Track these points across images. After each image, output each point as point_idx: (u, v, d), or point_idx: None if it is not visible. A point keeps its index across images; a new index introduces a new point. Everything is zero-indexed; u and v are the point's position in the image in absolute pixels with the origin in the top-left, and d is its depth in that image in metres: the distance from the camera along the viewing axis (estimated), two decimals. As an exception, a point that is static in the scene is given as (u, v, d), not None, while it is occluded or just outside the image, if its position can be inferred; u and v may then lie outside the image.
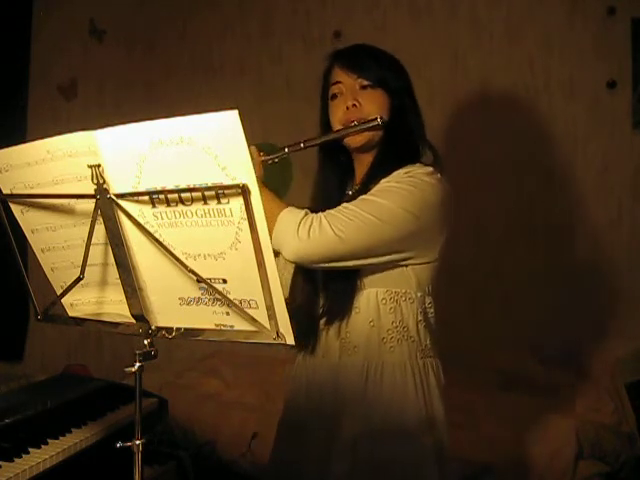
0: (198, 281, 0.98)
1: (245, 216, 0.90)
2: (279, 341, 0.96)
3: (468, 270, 3.30)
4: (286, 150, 1.43)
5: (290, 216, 1.28)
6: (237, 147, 0.86)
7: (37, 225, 1.09)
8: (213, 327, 1.02)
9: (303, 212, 1.29)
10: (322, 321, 1.44)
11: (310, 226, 1.25)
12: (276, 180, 1.45)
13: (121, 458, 1.12)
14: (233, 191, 0.88)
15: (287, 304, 1.46)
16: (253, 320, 0.97)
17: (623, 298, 3.05)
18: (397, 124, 1.42)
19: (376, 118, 1.39)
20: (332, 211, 1.30)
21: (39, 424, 1.53)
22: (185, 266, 0.97)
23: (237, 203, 0.90)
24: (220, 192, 0.90)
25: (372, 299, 1.39)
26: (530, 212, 3.22)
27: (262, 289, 0.93)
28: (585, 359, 2.92)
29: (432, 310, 1.45)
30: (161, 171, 0.92)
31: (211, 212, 0.93)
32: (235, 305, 0.97)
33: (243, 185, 0.87)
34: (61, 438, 1.51)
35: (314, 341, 1.46)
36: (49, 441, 1.48)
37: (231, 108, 0.84)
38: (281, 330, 0.95)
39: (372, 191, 1.34)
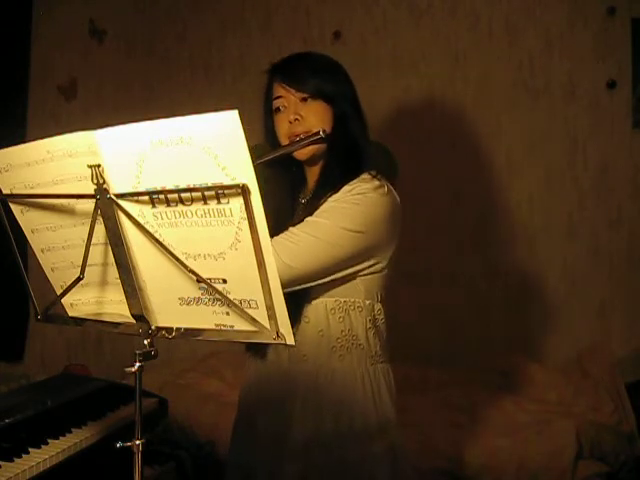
0: (198, 281, 0.98)
1: (245, 216, 0.90)
2: (279, 341, 0.96)
3: (468, 271, 3.31)
4: None
5: None
6: (237, 147, 0.86)
7: (37, 225, 1.09)
8: (213, 327, 1.02)
9: None
10: None
11: None
12: None
13: (121, 458, 1.12)
14: (233, 191, 0.88)
15: None
16: (253, 320, 0.97)
17: (623, 298, 3.06)
18: (340, 134, 1.42)
19: (318, 132, 1.39)
20: (279, 238, 1.31)
21: (39, 424, 1.53)
22: (185, 266, 0.97)
23: (237, 203, 0.90)
24: (220, 192, 0.90)
25: (321, 309, 1.41)
26: (530, 212, 3.22)
27: (262, 289, 0.93)
28: (585, 359, 2.92)
29: (382, 317, 1.46)
30: (161, 171, 0.92)
31: (211, 212, 0.93)
32: (235, 305, 0.97)
33: (243, 185, 0.87)
34: (61, 438, 1.51)
35: (263, 346, 1.48)
36: (49, 441, 1.48)
37: (231, 108, 0.84)
38: (281, 330, 0.96)
39: (318, 211, 1.35)
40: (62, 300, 1.13)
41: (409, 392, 2.57)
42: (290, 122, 1.43)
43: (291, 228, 1.33)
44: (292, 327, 1.38)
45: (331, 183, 1.40)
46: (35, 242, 1.11)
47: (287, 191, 1.53)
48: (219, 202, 0.91)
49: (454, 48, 3.32)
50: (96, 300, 1.12)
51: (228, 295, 0.97)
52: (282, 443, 1.42)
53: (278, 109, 1.46)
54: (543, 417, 2.49)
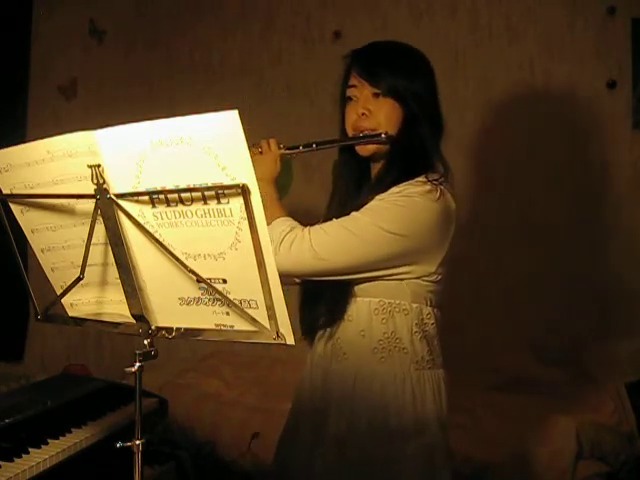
0: (198, 281, 0.98)
1: (245, 216, 0.90)
2: (279, 341, 0.96)
3: (468, 270, 3.30)
4: (301, 148, 1.43)
5: (279, 226, 1.31)
6: (237, 147, 0.86)
7: (37, 225, 1.09)
8: (213, 327, 1.03)
9: (291, 225, 1.31)
10: (320, 324, 1.45)
11: (293, 241, 1.27)
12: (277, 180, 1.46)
13: (121, 458, 1.12)
14: (233, 191, 0.89)
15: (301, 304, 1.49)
16: (253, 320, 0.97)
17: (623, 298, 3.05)
18: (405, 136, 1.39)
19: (380, 133, 1.37)
20: (318, 226, 1.31)
21: (39, 424, 1.53)
22: (185, 266, 0.97)
23: (237, 203, 0.90)
24: (220, 192, 0.90)
25: (364, 309, 1.39)
26: (530, 212, 3.22)
27: (262, 289, 0.93)
28: (585, 359, 2.92)
29: (432, 321, 1.42)
30: (161, 171, 0.92)
31: (211, 212, 0.93)
32: (235, 305, 0.97)
33: (243, 185, 0.87)
34: (61, 438, 1.51)
35: (310, 338, 1.48)
36: (49, 441, 1.48)
37: (231, 108, 0.84)
38: (281, 330, 0.96)
39: (363, 208, 1.34)
40: (62, 300, 1.13)
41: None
42: (358, 115, 1.42)
43: (334, 220, 1.32)
44: (334, 324, 1.41)
45: (383, 184, 1.38)
46: (35, 242, 1.11)
47: (353, 182, 1.51)
48: (219, 202, 0.91)
49: (454, 48, 3.32)
50: (96, 300, 1.12)
51: (228, 295, 0.97)
52: (317, 442, 1.41)
53: (350, 98, 1.45)
54: (543, 417, 2.49)
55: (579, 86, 3.12)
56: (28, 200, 1.06)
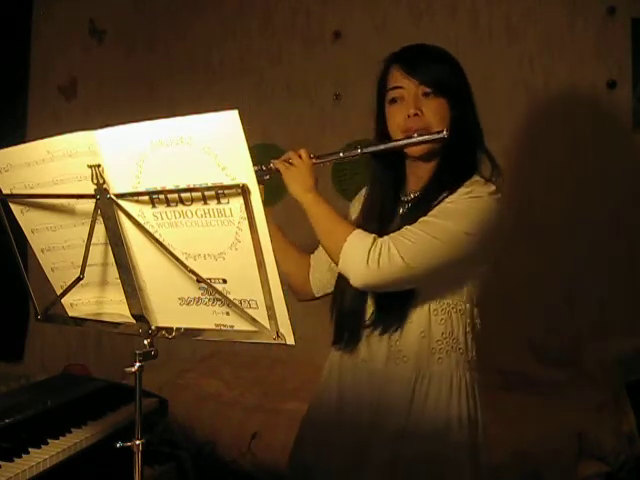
0: (198, 281, 0.98)
1: (245, 216, 0.90)
2: (279, 341, 0.96)
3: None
4: (341, 155, 1.41)
5: (359, 242, 1.29)
6: (237, 147, 0.86)
7: (37, 225, 1.09)
8: (213, 327, 1.03)
9: (372, 238, 1.29)
10: (370, 327, 1.43)
11: (380, 254, 1.26)
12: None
13: (121, 458, 1.12)
14: (233, 191, 0.89)
15: (333, 304, 1.49)
16: (253, 320, 0.97)
17: (623, 297, 3.05)
18: (458, 135, 1.39)
19: (442, 131, 1.35)
20: (399, 236, 1.29)
21: (39, 424, 1.53)
22: (185, 266, 0.97)
23: (237, 203, 0.90)
24: (220, 192, 0.90)
25: (424, 310, 1.39)
26: (530, 212, 3.21)
27: (262, 289, 0.93)
28: (585, 358, 2.92)
29: (479, 320, 1.43)
30: (161, 171, 0.92)
31: (211, 212, 0.93)
32: (235, 305, 0.97)
33: (243, 185, 0.87)
34: (61, 438, 1.51)
35: (354, 344, 1.45)
36: (49, 441, 1.48)
37: (231, 108, 0.84)
38: (281, 330, 0.96)
39: (435, 212, 1.32)
40: (62, 300, 1.13)
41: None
42: (409, 116, 1.38)
43: (408, 227, 1.31)
44: (397, 330, 1.39)
45: (445, 184, 1.37)
46: (35, 242, 1.11)
47: (392, 187, 1.50)
48: (219, 202, 0.91)
49: (454, 48, 3.30)
50: (96, 300, 1.12)
51: (228, 295, 0.98)
52: (366, 444, 1.39)
53: (394, 100, 1.41)
54: (543, 417, 2.49)
55: (579, 86, 3.12)
56: (28, 200, 1.06)
